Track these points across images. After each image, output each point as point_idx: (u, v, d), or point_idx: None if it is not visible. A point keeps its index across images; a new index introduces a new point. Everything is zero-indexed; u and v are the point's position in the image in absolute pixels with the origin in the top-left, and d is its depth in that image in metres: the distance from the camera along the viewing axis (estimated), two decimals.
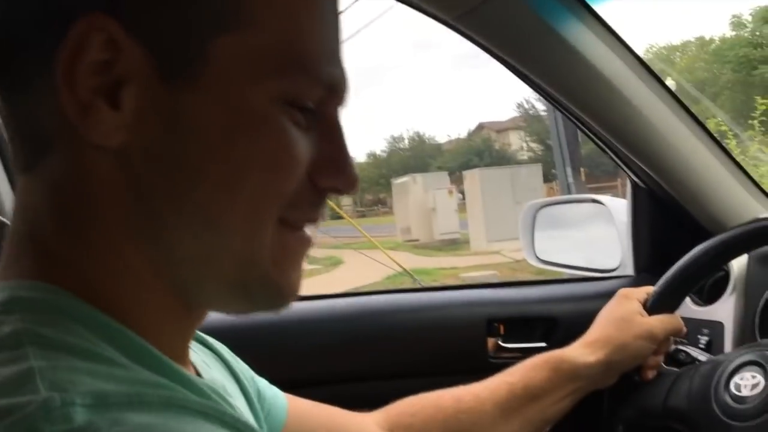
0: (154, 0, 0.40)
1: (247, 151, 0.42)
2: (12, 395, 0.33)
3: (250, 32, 0.41)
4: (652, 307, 0.93)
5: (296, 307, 1.28)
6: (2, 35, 0.41)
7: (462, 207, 16.24)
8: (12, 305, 0.38)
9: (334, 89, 0.46)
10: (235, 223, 0.42)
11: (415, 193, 16.39)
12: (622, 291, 0.96)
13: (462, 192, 17.23)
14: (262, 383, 0.71)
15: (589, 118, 1.09)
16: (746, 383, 0.82)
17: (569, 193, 6.86)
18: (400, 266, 9.01)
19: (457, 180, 20.23)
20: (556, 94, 1.07)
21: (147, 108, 0.40)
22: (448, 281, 9.43)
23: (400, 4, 1.00)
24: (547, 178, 19.19)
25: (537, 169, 17.41)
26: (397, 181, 18.30)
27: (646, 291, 0.95)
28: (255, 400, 0.66)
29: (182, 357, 0.47)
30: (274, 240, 0.44)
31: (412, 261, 11.55)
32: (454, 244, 15.08)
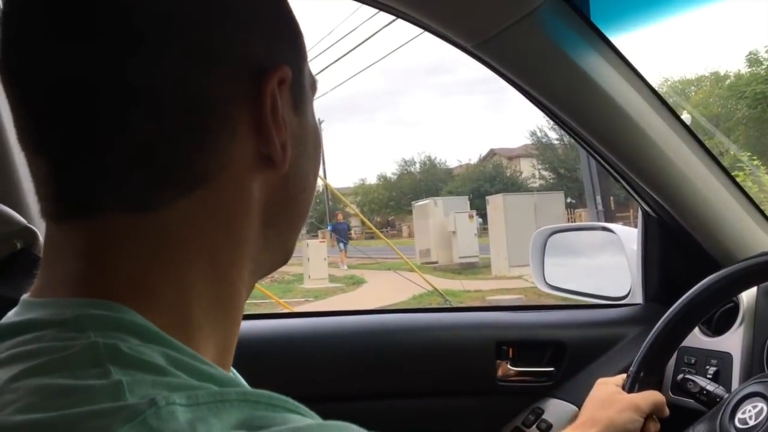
0: (293, 41, 0.48)
1: (318, 156, 0.51)
2: (111, 401, 0.34)
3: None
4: (630, 388, 0.95)
5: (307, 323, 1.30)
6: (187, 95, 0.41)
7: (481, 231, 16.17)
8: (83, 322, 0.39)
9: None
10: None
11: (436, 216, 16.36)
12: (600, 380, 1.01)
13: (482, 216, 17.17)
14: None
15: (602, 147, 1.11)
16: (750, 414, 0.83)
17: (599, 220, 6.90)
18: (433, 286, 8.99)
19: (474, 204, 20.11)
20: (571, 122, 1.09)
21: (292, 136, 0.46)
22: (475, 304, 9.39)
23: (422, 32, 1.04)
24: (565, 206, 19.07)
25: (559, 197, 17.41)
26: (418, 204, 18.29)
27: (622, 377, 0.98)
28: None
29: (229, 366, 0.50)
30: None
31: (432, 283, 11.48)
32: (473, 268, 14.98)
